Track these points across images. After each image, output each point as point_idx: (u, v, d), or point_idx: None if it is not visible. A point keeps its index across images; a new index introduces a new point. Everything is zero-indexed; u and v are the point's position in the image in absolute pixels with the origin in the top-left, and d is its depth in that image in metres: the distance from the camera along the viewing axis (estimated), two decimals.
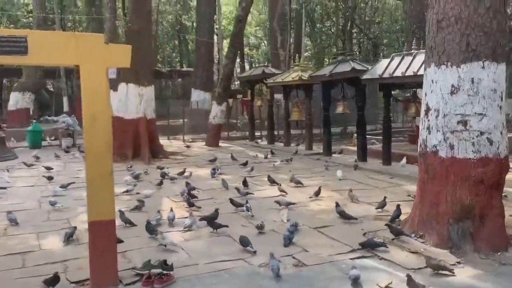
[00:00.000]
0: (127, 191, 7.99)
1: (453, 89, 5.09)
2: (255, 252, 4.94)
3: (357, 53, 38.40)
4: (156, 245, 5.23)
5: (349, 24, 36.94)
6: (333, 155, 12.91)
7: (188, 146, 14.73)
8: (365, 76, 10.50)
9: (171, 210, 6.33)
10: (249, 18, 46.48)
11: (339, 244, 5.27)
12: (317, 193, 7.59)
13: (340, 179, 9.25)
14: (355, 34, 40.88)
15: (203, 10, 21.63)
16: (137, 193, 7.98)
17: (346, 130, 18.77)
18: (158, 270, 4.22)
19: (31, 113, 23.72)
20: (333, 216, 6.44)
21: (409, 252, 5.04)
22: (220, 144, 15.68)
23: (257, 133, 17.62)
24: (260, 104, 16.00)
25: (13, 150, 4.78)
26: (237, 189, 7.80)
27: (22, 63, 6.07)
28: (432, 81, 5.33)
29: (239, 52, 38.32)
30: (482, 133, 5.02)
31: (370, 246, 5.12)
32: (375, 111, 20.73)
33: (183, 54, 42.45)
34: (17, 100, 19.82)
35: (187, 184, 8.16)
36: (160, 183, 8.66)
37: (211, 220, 5.75)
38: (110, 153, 3.96)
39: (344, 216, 6.28)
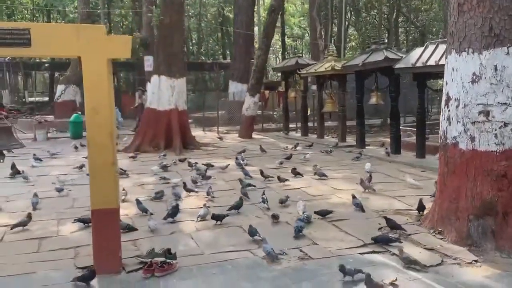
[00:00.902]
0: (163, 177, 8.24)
1: (474, 77, 4.79)
2: (262, 239, 4.90)
3: (404, 42, 37.21)
4: (168, 234, 5.31)
5: (394, 13, 35.85)
6: (368, 147, 12.60)
7: (220, 138, 14.83)
8: (397, 65, 10.13)
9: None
10: (293, 8, 46.27)
11: (351, 239, 5.13)
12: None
13: (367, 172, 8.99)
14: (401, 23, 39.63)
15: (241, 2, 21.57)
16: (166, 181, 8.15)
17: (386, 122, 18.22)
18: (162, 259, 4.27)
19: (77, 105, 24.82)
20: (351, 209, 6.28)
21: (424, 248, 4.82)
22: (253, 136, 15.69)
23: (293, 125, 17.49)
24: (294, 95, 15.82)
25: (19, 139, 5.00)
26: (240, 180, 7.69)
27: (26, 55, 6.27)
28: (453, 69, 5.04)
29: (284, 42, 38.33)
30: (506, 124, 4.69)
31: (383, 241, 4.94)
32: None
33: (226, 46, 42.65)
34: (62, 92, 20.62)
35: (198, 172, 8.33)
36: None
37: (218, 215, 5.70)
38: (112, 144, 4.03)
39: (360, 207, 6.15)
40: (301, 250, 4.76)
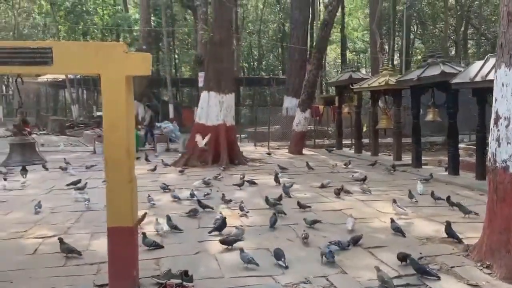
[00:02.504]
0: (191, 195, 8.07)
1: None
2: (286, 267, 4.65)
3: (474, 55, 35.21)
4: (193, 253, 5.19)
5: (463, 24, 34.11)
6: (425, 166, 11.86)
7: (269, 154, 14.66)
8: (455, 80, 9.47)
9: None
10: (357, 22, 45.53)
11: (386, 269, 4.69)
12: None
13: (420, 194, 8.40)
14: (471, 35, 37.64)
15: (297, 17, 21.50)
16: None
17: None
18: (178, 281, 4.14)
19: (152, 120, 25.85)
20: (392, 236, 5.83)
21: (468, 284, 4.32)
22: (304, 152, 15.37)
23: (348, 141, 16.98)
24: (348, 110, 15.36)
25: (42, 154, 5.14)
26: (266, 198, 7.40)
27: (48, 73, 6.48)
28: (503, 84, 4.54)
29: (344, 57, 37.76)
30: None
31: (420, 273, 4.49)
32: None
33: (285, 62, 42.81)
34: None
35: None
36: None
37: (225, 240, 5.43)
38: (130, 161, 3.98)
39: (400, 232, 5.71)
40: (327, 279, 4.44)
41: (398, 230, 5.79)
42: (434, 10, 34.44)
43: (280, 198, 7.56)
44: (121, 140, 3.94)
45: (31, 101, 32.26)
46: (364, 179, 9.56)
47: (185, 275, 4.23)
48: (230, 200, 7.66)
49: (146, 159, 13.04)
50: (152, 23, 25.28)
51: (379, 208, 7.39)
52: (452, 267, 4.71)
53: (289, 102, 21.08)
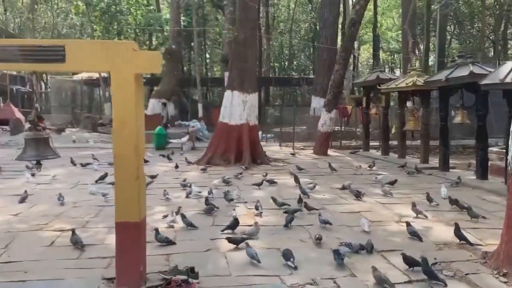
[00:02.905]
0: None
1: None
2: (295, 267, 4.62)
3: None
4: (204, 250, 5.23)
5: (502, 24, 32.92)
6: (453, 170, 11.53)
7: (293, 154, 14.59)
8: (484, 81, 9.13)
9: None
10: (391, 22, 44.68)
11: (397, 273, 4.60)
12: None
13: (444, 198, 8.16)
14: (510, 35, 36.27)
15: (326, 16, 21.26)
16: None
17: None
18: (183, 277, 4.18)
19: (168, 117, 26.25)
20: (408, 240, 5.69)
21: None
22: (329, 152, 15.21)
23: (375, 143, 16.68)
24: (375, 111, 15.10)
25: (55, 149, 5.30)
26: (273, 198, 7.39)
27: (61, 70, 6.62)
28: None
29: (377, 57, 37.17)
30: None
31: (427, 275, 4.35)
32: None
33: (316, 61, 42.48)
34: (154, 106, 21.97)
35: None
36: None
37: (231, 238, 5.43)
38: (138, 158, 4.05)
39: (416, 236, 5.59)
40: (334, 282, 4.37)
41: (414, 234, 5.66)
42: (471, 9, 33.36)
43: (300, 199, 7.44)
44: (129, 137, 4.01)
45: (68, 99, 33.22)
46: (393, 183, 9.32)
47: (191, 272, 4.26)
48: (232, 199, 7.63)
49: (168, 157, 13.21)
50: (182, 23, 25.57)
51: (398, 211, 7.23)
52: (466, 274, 4.56)
53: (317, 102, 20.87)
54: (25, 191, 7.99)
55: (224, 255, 5.09)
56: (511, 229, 4.54)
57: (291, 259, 4.73)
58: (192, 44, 31.40)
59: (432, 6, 30.78)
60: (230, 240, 5.30)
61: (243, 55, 12.16)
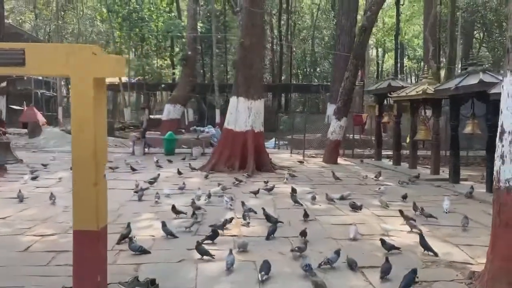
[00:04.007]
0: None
1: None
2: (262, 281, 4.42)
3: None
4: (176, 261, 5.07)
5: None
6: (464, 182, 11.06)
7: (301, 162, 14.32)
8: (493, 90, 8.74)
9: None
10: (417, 29, 43.84)
11: None
12: None
13: (445, 212, 7.79)
14: None
15: (343, 23, 20.97)
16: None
17: None
18: None
19: (186, 123, 26.35)
20: (393, 256, 5.37)
21: None
22: (340, 161, 14.88)
23: (390, 152, 16.22)
24: (387, 120, 14.70)
25: (16, 155, 5.28)
26: (242, 203, 7.20)
27: (21, 74, 6.56)
28: (508, 94, 4.05)
29: (399, 64, 36.50)
30: None
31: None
32: None
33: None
34: (169, 111, 22.09)
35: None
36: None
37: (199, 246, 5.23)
38: (97, 163, 3.93)
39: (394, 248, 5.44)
40: None
41: (392, 248, 5.39)
42: (497, 16, 32.34)
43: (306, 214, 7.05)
44: (88, 142, 3.90)
45: None
46: (405, 197, 8.77)
47: (151, 284, 4.12)
48: (199, 208, 7.33)
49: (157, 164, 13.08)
50: (200, 29, 25.70)
51: (392, 224, 6.91)
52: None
53: (332, 110, 20.55)
54: (19, 191, 8.09)
55: (196, 266, 4.92)
56: (495, 248, 4.21)
57: (262, 272, 4.54)
58: (211, 51, 31.57)
59: (458, 13, 30.00)
60: (197, 249, 5.13)
61: (248, 61, 12.04)
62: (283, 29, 39.84)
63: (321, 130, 19.67)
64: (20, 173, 10.92)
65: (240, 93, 12.17)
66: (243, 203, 7.43)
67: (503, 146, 4.08)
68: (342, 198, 8.61)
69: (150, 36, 34.08)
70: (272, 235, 6.01)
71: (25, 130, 22.71)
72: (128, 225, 5.98)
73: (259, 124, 12.37)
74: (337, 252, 4.99)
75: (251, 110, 12.09)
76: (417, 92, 11.86)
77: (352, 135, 17.59)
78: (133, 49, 36.66)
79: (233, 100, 12.42)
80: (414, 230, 6.53)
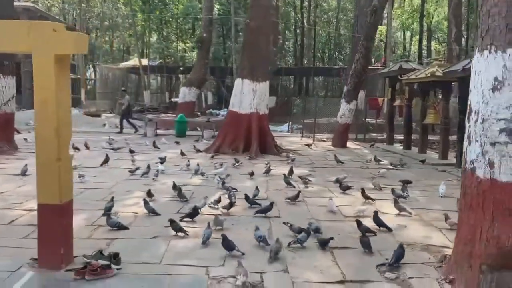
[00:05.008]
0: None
1: (496, 83, 3.63)
2: (243, 254, 4.61)
3: None
4: (150, 237, 5.17)
5: None
6: None
7: (308, 145, 14.20)
8: None
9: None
10: (446, 11, 42.33)
11: (335, 272, 4.32)
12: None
13: (441, 196, 7.63)
14: None
15: (362, 3, 20.48)
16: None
17: None
18: (106, 262, 4.14)
19: (204, 106, 26.47)
20: (376, 237, 5.33)
21: None
22: (349, 145, 14.70)
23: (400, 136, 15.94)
24: (399, 103, 14.40)
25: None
26: (246, 196, 6.84)
27: None
28: (475, 73, 3.90)
29: (423, 47, 35.47)
30: None
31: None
32: None
33: None
34: (184, 94, 22.23)
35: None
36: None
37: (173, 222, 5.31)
38: (60, 140, 4.01)
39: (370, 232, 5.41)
40: (261, 276, 4.16)
41: (368, 231, 5.34)
42: None
43: (297, 196, 7.04)
44: (50, 119, 3.99)
45: (112, 86, 34.35)
46: (408, 182, 8.42)
47: (114, 258, 4.22)
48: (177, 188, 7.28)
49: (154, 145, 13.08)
50: (217, 11, 25.59)
51: (381, 207, 6.80)
52: (410, 278, 4.19)
53: None
54: (25, 165, 8.40)
55: (167, 243, 4.99)
56: (460, 231, 4.11)
57: (236, 248, 4.60)
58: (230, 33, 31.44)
59: None
60: (172, 226, 5.21)
61: (254, 43, 11.93)
62: (305, 11, 39.19)
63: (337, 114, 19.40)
64: (31, 151, 11.26)
65: (245, 75, 12.11)
66: (223, 183, 7.49)
67: (469, 126, 3.94)
68: (337, 181, 8.52)
69: (170, 19, 34.22)
70: (265, 214, 6.10)
71: None
72: (112, 199, 6.16)
73: (264, 106, 12.31)
74: (307, 231, 4.99)
75: (255, 93, 12.03)
76: (426, 74, 11.54)
77: (364, 119, 17.28)
78: (155, 32, 36.91)
79: (238, 82, 12.38)
80: (402, 213, 6.45)
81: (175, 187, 7.19)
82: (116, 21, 42.39)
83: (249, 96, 12.06)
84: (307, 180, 8.25)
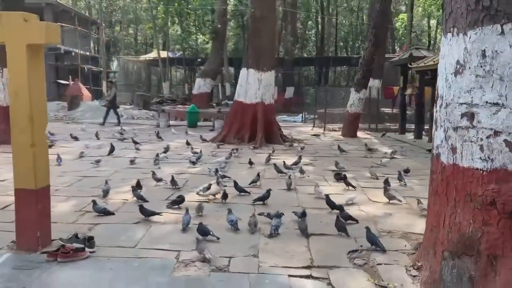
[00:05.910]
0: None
1: (458, 67, 3.54)
2: (218, 238, 4.73)
3: None
4: (132, 222, 5.30)
5: None
6: None
7: (316, 135, 14.13)
8: None
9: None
10: None
11: (304, 257, 4.34)
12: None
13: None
14: None
15: None
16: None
17: None
18: (80, 245, 4.28)
19: (221, 96, 26.56)
20: (348, 227, 5.30)
21: (375, 284, 3.80)
22: (359, 134, 14.54)
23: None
24: (411, 92, 14.13)
25: None
26: (235, 183, 6.88)
27: None
28: (441, 56, 3.83)
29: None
30: (496, 133, 3.35)
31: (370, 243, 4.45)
32: None
33: None
34: (199, 85, 22.39)
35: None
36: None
37: (143, 208, 5.45)
38: (34, 127, 4.15)
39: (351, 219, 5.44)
40: (229, 261, 4.23)
41: (350, 219, 5.33)
42: None
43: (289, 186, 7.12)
44: (23, 107, 4.14)
45: (133, 78, 34.91)
46: (407, 171, 8.44)
47: (88, 241, 4.36)
48: (160, 179, 7.34)
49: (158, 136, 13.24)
50: (234, 1, 25.56)
51: (372, 196, 6.77)
52: (378, 264, 4.18)
53: None
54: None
55: (147, 228, 5.11)
56: (428, 218, 4.06)
57: (211, 233, 4.69)
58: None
59: None
60: (141, 210, 5.34)
61: (259, 32, 11.90)
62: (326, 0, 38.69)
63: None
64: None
65: (251, 65, 12.12)
66: (216, 171, 7.58)
67: (436, 111, 3.88)
68: (336, 167, 8.52)
69: (189, 11, 34.39)
70: (263, 202, 6.21)
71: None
72: (106, 182, 6.61)
73: (269, 96, 12.30)
74: (279, 216, 5.03)
75: (261, 82, 12.03)
76: (434, 61, 11.28)
77: (375, 107, 17.03)
78: (176, 24, 37.20)
79: (243, 72, 12.41)
80: (392, 201, 6.40)
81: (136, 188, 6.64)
82: (139, 14, 42.95)
83: (254, 86, 12.07)
84: (292, 168, 8.40)
